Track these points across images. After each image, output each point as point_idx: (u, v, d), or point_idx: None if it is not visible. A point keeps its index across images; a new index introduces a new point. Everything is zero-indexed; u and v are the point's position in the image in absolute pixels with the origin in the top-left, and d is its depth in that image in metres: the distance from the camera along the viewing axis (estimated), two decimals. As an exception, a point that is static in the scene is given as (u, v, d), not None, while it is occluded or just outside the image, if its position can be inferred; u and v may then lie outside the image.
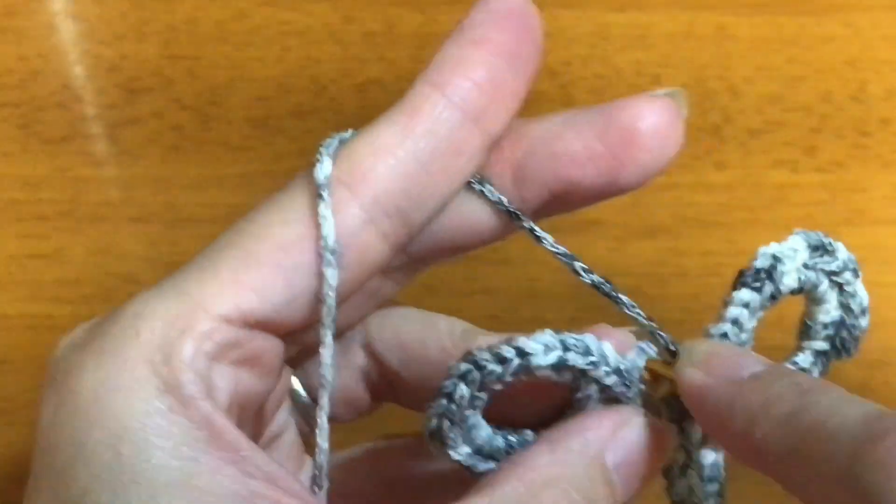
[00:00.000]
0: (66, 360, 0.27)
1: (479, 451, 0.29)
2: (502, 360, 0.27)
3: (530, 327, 0.32)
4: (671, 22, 0.59)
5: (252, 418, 0.30)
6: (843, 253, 0.30)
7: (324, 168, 0.28)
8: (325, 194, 0.27)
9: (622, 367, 0.29)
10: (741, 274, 0.29)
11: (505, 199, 0.30)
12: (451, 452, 0.29)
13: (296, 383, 0.32)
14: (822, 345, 0.31)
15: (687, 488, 0.30)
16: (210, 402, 0.26)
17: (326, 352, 0.29)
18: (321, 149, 0.28)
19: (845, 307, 0.31)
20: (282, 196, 0.28)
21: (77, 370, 0.27)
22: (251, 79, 0.58)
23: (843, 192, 0.53)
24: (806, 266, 0.30)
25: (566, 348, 0.28)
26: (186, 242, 0.52)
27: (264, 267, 0.27)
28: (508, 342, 0.28)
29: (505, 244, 0.51)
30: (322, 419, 0.30)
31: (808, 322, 0.31)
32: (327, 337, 0.28)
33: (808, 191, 0.53)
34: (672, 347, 0.30)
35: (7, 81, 0.58)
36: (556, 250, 0.30)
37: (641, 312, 0.30)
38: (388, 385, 0.33)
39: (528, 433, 0.30)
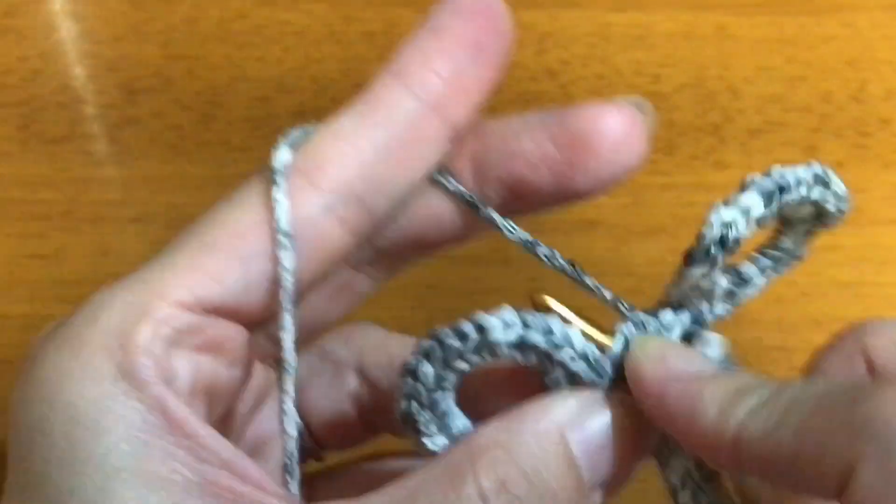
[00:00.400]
0: (36, 349, 0.28)
1: (455, 443, 0.28)
2: (462, 336, 0.27)
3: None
4: (671, 22, 0.59)
5: (224, 411, 0.30)
6: (803, 175, 0.29)
7: (280, 156, 0.28)
8: (278, 179, 0.28)
9: (590, 354, 0.28)
10: (689, 254, 0.28)
11: (465, 191, 0.30)
12: (426, 441, 0.28)
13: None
14: (805, 227, 0.30)
15: (683, 469, 0.29)
16: (165, 386, 0.26)
17: (287, 336, 0.29)
18: (280, 138, 0.29)
19: (821, 208, 0.29)
20: (241, 188, 0.29)
21: (39, 358, 0.27)
22: (251, 79, 0.58)
23: (843, 192, 0.53)
24: (763, 217, 0.28)
25: (526, 326, 0.27)
26: (186, 242, 0.52)
27: (220, 253, 0.27)
28: (469, 318, 0.28)
29: (505, 244, 0.51)
30: (288, 405, 0.30)
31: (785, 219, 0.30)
32: (287, 321, 0.28)
33: (808, 191, 0.53)
34: (644, 326, 0.29)
35: (7, 81, 0.58)
36: (519, 238, 0.30)
37: (607, 294, 0.30)
38: (382, 411, 0.33)
39: None
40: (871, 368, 0.29)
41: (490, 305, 0.29)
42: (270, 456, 0.32)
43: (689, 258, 0.28)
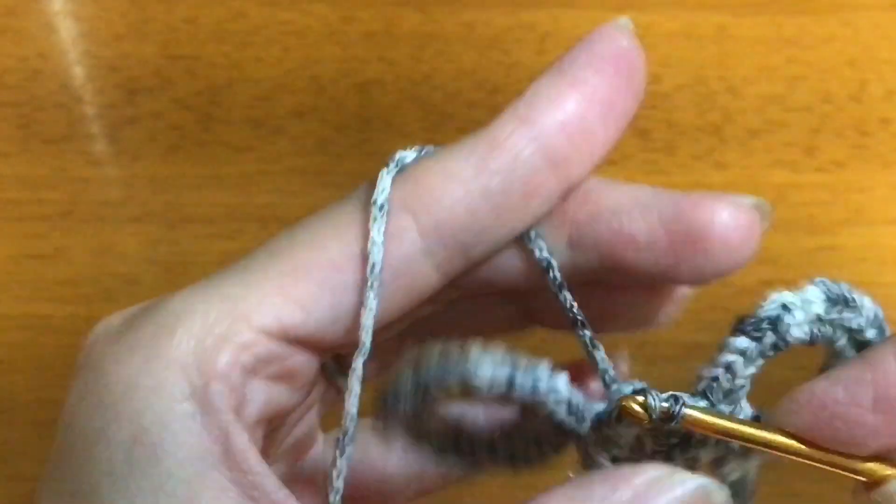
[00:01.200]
0: (101, 347, 0.26)
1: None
2: (446, 358, 0.26)
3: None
4: (671, 22, 0.59)
5: (279, 429, 0.29)
6: (868, 308, 0.28)
7: (383, 186, 0.27)
8: (378, 211, 0.26)
9: (574, 400, 0.26)
10: (741, 320, 0.27)
11: (555, 264, 0.28)
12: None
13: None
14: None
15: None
16: (234, 416, 0.25)
17: (368, 314, 0.26)
18: (385, 167, 0.27)
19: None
20: (338, 209, 0.27)
21: (109, 360, 0.26)
22: (251, 79, 0.58)
23: (843, 192, 0.53)
24: (821, 319, 0.27)
25: (514, 368, 0.26)
26: (186, 242, 0.52)
27: (312, 282, 0.26)
28: (460, 346, 0.26)
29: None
30: (354, 385, 0.27)
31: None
32: (370, 299, 0.26)
33: (808, 191, 0.53)
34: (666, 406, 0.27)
35: (7, 81, 0.58)
36: (581, 335, 0.28)
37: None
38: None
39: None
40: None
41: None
42: (309, 454, 0.31)
43: (739, 324, 0.27)
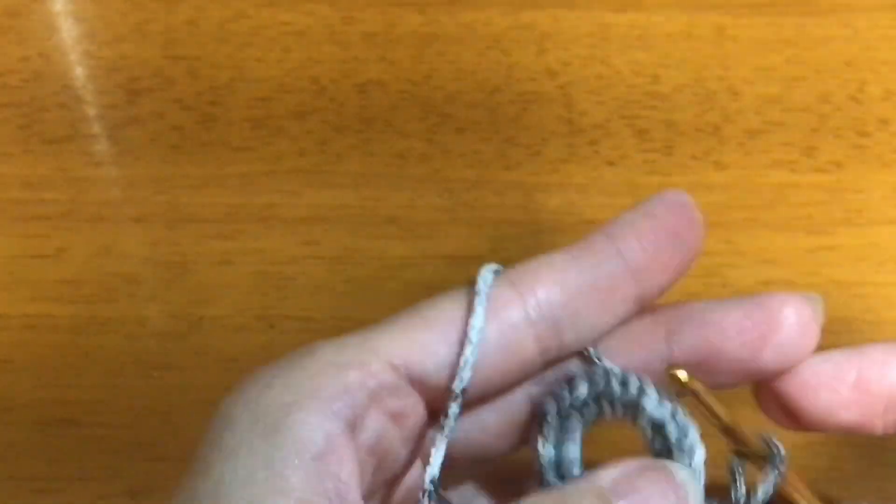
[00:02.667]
0: (260, 370, 0.31)
1: (558, 461, 0.32)
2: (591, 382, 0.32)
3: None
4: (671, 22, 0.59)
5: (380, 482, 0.32)
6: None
7: (487, 268, 0.33)
8: (482, 285, 0.32)
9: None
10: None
11: (617, 371, 0.33)
12: (540, 444, 0.32)
13: None
14: None
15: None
16: (346, 427, 0.29)
17: (474, 329, 0.31)
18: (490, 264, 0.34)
19: None
20: (461, 289, 0.33)
21: (259, 373, 0.30)
22: (251, 79, 0.58)
23: (841, 192, 0.53)
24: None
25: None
26: (186, 242, 0.52)
27: (430, 331, 0.31)
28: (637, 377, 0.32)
29: (506, 244, 0.51)
30: (457, 385, 0.31)
31: None
32: (478, 315, 0.31)
33: (807, 191, 0.53)
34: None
35: (8, 82, 0.58)
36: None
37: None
38: None
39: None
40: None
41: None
42: None
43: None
